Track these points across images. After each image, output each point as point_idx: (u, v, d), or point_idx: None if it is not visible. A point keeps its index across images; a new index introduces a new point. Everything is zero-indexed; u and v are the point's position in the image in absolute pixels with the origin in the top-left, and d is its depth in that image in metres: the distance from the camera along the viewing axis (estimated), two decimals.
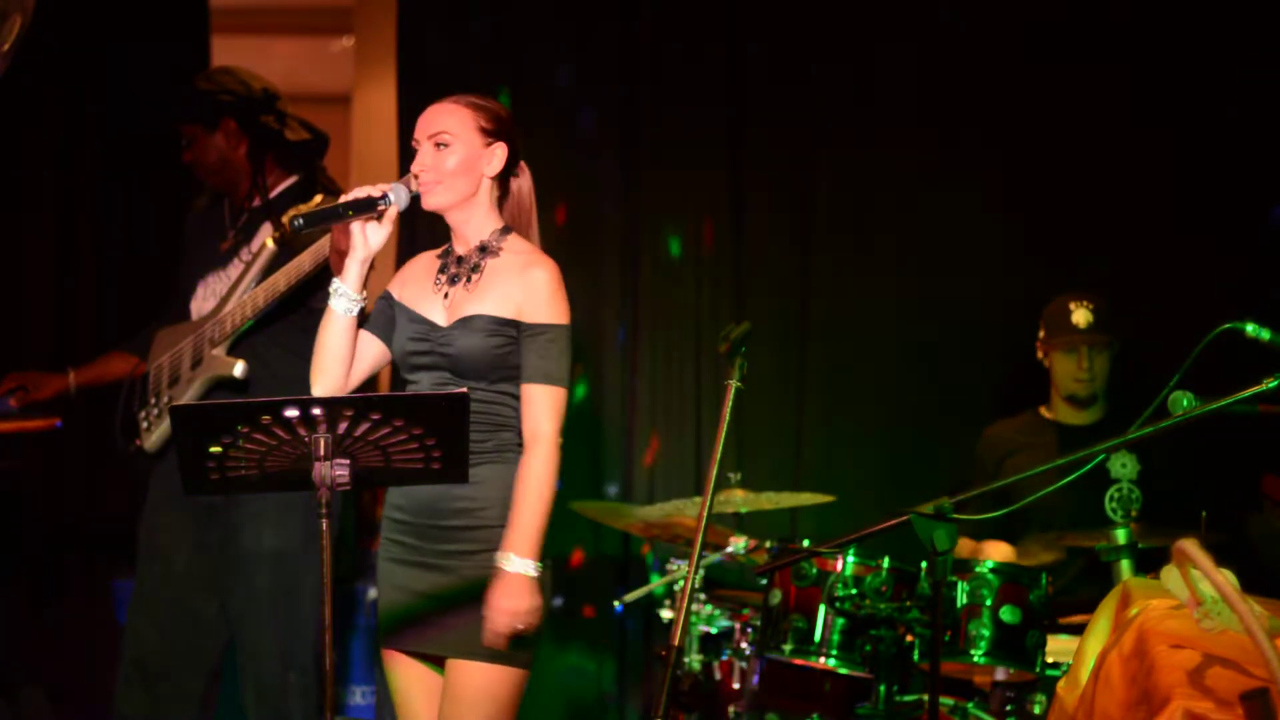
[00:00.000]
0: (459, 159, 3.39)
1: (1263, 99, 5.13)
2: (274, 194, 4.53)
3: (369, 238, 3.37)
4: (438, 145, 3.39)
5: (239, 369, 4.33)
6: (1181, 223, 5.21)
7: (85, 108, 5.58)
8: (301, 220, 3.35)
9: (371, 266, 3.51)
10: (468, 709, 3.32)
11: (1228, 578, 2.13)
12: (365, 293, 3.40)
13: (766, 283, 5.50)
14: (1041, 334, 4.81)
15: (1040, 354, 4.82)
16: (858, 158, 5.44)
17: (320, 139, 4.61)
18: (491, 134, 3.42)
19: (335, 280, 3.39)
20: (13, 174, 5.55)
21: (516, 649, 3.34)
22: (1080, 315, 4.71)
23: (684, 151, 5.54)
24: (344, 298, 3.37)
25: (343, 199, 3.36)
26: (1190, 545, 2.17)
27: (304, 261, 4.17)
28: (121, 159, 5.56)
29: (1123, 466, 4.71)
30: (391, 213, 3.37)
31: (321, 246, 4.15)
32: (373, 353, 3.47)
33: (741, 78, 5.49)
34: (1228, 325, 2.97)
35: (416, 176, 3.39)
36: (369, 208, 3.34)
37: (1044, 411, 4.85)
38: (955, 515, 3.02)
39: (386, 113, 6.06)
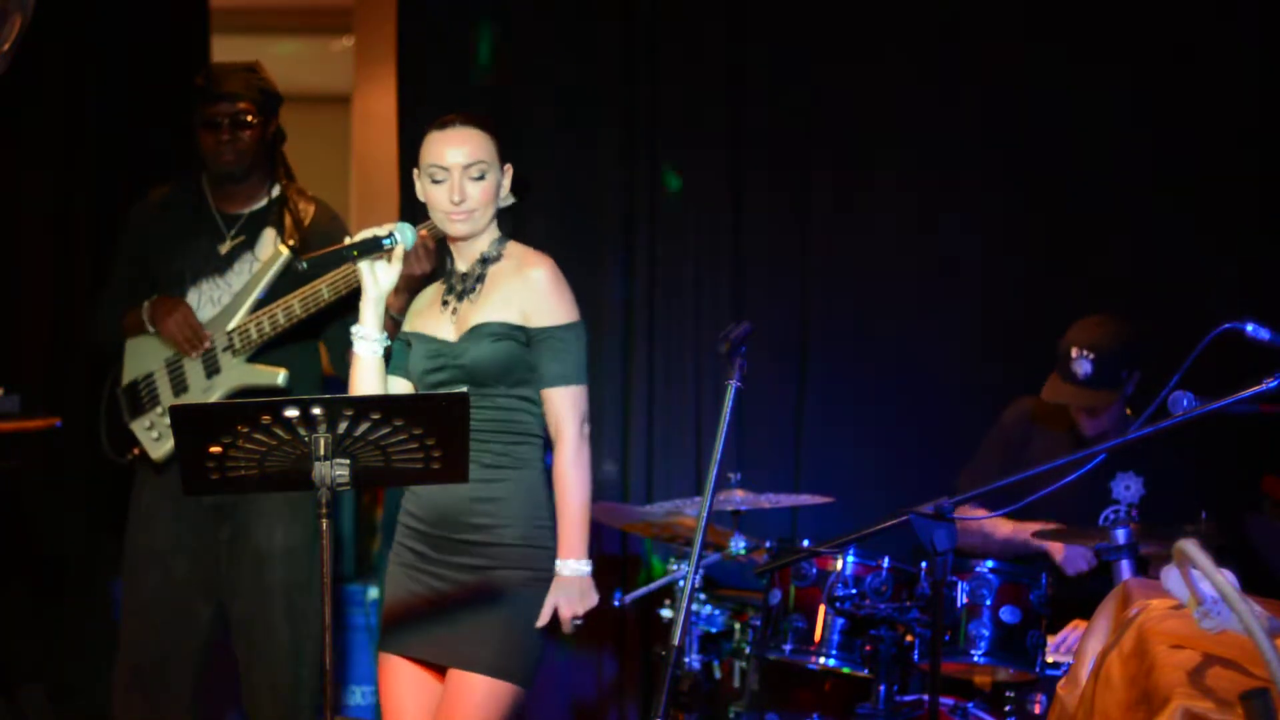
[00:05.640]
0: (493, 187, 3.43)
1: (1263, 98, 5.13)
2: (273, 198, 4.54)
3: (379, 278, 3.40)
4: (474, 178, 3.40)
5: (282, 378, 4.36)
6: (1182, 223, 5.20)
7: (85, 107, 5.58)
8: (306, 265, 3.41)
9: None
10: (464, 718, 3.33)
11: (1228, 578, 2.13)
12: (385, 332, 3.43)
13: (766, 283, 5.50)
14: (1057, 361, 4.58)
15: None
16: (858, 159, 5.44)
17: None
18: (503, 156, 3.46)
19: (355, 325, 3.42)
20: (13, 174, 5.55)
21: (521, 667, 3.35)
22: (1081, 365, 4.42)
23: (684, 151, 5.54)
24: (366, 340, 3.41)
25: (349, 240, 3.41)
26: (1190, 545, 2.17)
27: (321, 292, 4.24)
28: (121, 159, 5.56)
29: (1126, 489, 4.61)
30: (398, 252, 3.39)
31: (337, 279, 4.21)
32: (402, 390, 3.51)
33: (741, 79, 5.49)
34: (1228, 325, 2.96)
35: (457, 202, 3.38)
36: (375, 248, 3.38)
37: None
38: (955, 515, 3.02)
39: (386, 113, 6.06)
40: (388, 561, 3.53)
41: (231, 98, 4.43)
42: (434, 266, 3.72)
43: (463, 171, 3.39)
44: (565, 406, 3.38)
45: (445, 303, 3.49)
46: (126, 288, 4.58)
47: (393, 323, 3.60)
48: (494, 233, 3.49)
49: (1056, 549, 4.41)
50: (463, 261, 3.49)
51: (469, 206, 3.40)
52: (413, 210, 3.52)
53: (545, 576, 3.40)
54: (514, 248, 3.48)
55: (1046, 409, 4.68)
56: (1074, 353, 4.45)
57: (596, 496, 5.39)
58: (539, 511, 3.40)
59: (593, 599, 3.40)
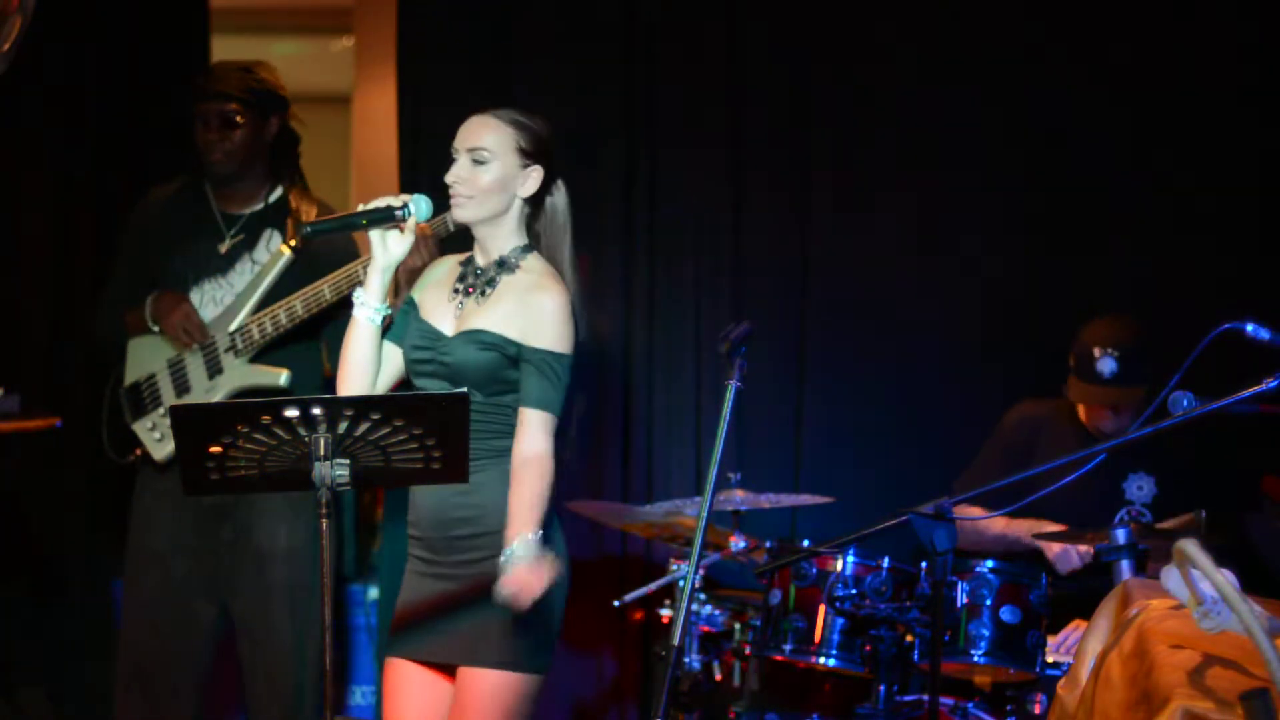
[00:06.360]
0: (494, 178, 3.40)
1: (1264, 99, 5.13)
2: (274, 200, 4.55)
3: (389, 247, 3.40)
4: (475, 161, 3.40)
5: (284, 379, 4.36)
6: (1182, 224, 5.20)
7: (85, 107, 5.58)
8: (310, 229, 3.39)
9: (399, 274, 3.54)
10: (475, 716, 3.32)
11: (1228, 578, 2.13)
12: (389, 301, 3.42)
13: (767, 282, 5.50)
14: (1071, 363, 4.60)
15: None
16: (858, 159, 5.44)
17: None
18: (530, 155, 3.43)
19: (358, 289, 3.41)
20: (13, 174, 5.55)
21: (528, 656, 3.34)
22: (1106, 364, 4.45)
23: (684, 151, 5.53)
24: (366, 306, 3.40)
25: (361, 208, 3.38)
26: (1190, 545, 2.17)
27: (323, 292, 4.24)
28: (121, 159, 5.56)
29: (1139, 489, 4.60)
30: (412, 224, 3.38)
31: (339, 279, 4.21)
32: (397, 360, 3.50)
33: (741, 79, 5.49)
34: (1228, 325, 2.96)
35: (451, 182, 3.40)
36: (387, 218, 3.36)
37: (1079, 410, 4.65)
38: (954, 516, 3.02)
39: (386, 113, 6.05)
40: (405, 572, 3.52)
41: (220, 97, 4.44)
42: (432, 259, 3.72)
43: (466, 154, 3.40)
44: (538, 430, 3.33)
45: (455, 291, 3.48)
46: (127, 287, 4.58)
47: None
48: (518, 238, 3.47)
49: (1049, 547, 4.41)
50: (482, 255, 3.49)
51: (464, 191, 3.39)
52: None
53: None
54: (534, 263, 3.45)
55: (1054, 413, 4.67)
56: (1096, 352, 4.47)
57: (597, 496, 5.42)
58: None
59: (542, 577, 3.20)
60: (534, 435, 3.33)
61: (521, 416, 3.35)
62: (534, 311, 3.36)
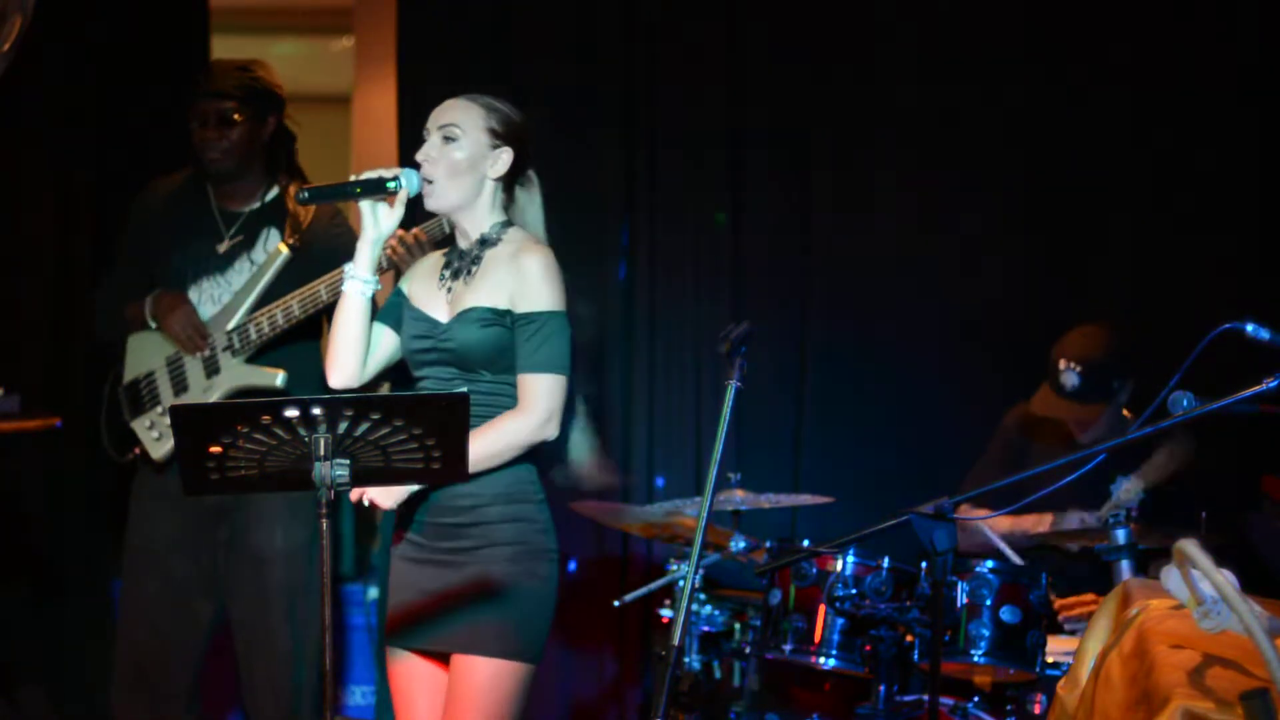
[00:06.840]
0: (464, 155, 3.42)
1: (1264, 99, 5.13)
2: (271, 198, 4.55)
3: (380, 221, 3.42)
4: (445, 138, 3.41)
5: (280, 379, 4.36)
6: (1182, 224, 5.20)
7: (85, 107, 5.58)
8: (307, 194, 3.41)
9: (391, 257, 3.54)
10: (469, 704, 3.33)
11: (1228, 578, 2.12)
12: (377, 275, 3.43)
13: (767, 282, 5.50)
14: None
15: None
16: (858, 159, 5.44)
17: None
18: (500, 137, 3.45)
19: (347, 264, 3.43)
20: (13, 175, 5.55)
21: (522, 645, 3.34)
22: (1068, 378, 4.44)
23: (684, 152, 5.53)
24: (356, 280, 3.42)
25: (353, 178, 3.40)
26: (1190, 545, 2.17)
27: (320, 292, 4.24)
28: (121, 160, 5.55)
29: (1126, 493, 4.60)
30: (402, 197, 3.40)
31: (336, 282, 4.21)
32: (388, 343, 3.50)
33: (741, 79, 5.49)
34: (1228, 325, 2.96)
35: (422, 160, 3.41)
36: (378, 189, 3.39)
37: None
38: (955, 515, 3.02)
39: (386, 113, 6.05)
40: (391, 557, 3.52)
41: (217, 95, 4.45)
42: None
43: (437, 132, 3.43)
44: (534, 391, 3.33)
45: (442, 278, 3.49)
46: (128, 281, 4.58)
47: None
48: (496, 215, 3.48)
49: (1041, 518, 4.40)
50: (463, 239, 3.50)
51: (432, 172, 3.40)
52: (413, 212, 3.52)
53: (534, 551, 3.38)
54: (515, 234, 3.48)
55: (1042, 415, 4.67)
56: (1062, 364, 4.47)
57: (597, 497, 5.42)
58: (524, 486, 3.39)
59: (390, 503, 3.36)
60: (531, 397, 3.33)
61: (520, 383, 3.35)
62: (520, 275, 3.38)
